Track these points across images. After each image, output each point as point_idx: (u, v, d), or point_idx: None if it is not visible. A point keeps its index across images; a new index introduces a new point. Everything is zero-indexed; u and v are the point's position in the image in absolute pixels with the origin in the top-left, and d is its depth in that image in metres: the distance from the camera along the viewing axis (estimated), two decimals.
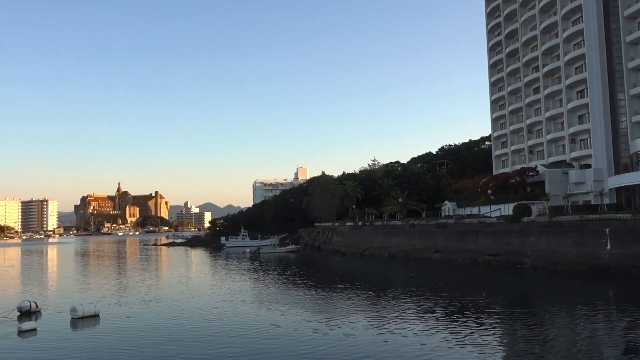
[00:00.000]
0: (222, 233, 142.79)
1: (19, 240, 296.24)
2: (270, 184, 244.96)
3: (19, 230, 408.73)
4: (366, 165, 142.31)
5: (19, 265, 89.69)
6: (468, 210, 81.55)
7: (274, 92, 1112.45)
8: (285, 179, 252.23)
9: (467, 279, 48.91)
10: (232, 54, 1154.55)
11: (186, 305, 35.99)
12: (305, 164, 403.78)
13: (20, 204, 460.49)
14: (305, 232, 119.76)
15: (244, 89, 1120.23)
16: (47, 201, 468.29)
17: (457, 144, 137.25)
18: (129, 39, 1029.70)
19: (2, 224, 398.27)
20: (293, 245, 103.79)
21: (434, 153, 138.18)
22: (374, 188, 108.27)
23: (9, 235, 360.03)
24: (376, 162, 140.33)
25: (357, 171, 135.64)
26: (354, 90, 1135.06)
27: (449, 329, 25.49)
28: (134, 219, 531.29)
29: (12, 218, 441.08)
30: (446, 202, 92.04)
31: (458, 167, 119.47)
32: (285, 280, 50.24)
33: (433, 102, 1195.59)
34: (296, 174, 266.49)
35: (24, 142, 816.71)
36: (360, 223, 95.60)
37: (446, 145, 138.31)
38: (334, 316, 29.83)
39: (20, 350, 24.16)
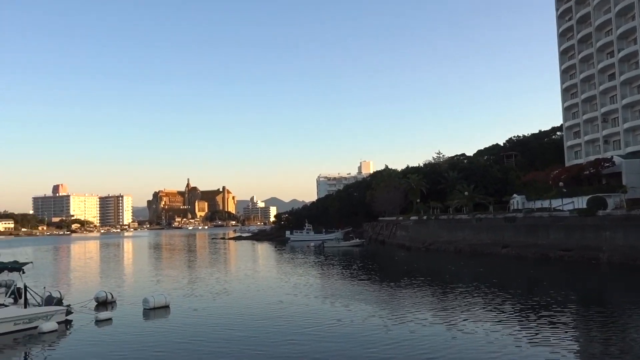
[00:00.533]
0: (286, 227, 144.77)
1: (98, 234, 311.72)
2: (334, 179, 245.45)
3: (97, 224, 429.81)
4: (430, 159, 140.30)
5: (98, 258, 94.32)
6: (538, 204, 78.70)
7: (339, 88, 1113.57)
8: (349, 173, 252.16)
9: (537, 275, 47.21)
10: (302, 50, 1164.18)
11: (253, 298, 36.44)
12: (368, 157, 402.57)
13: (98, 200, 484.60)
14: (369, 226, 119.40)
15: (310, 84, 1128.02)
16: (122, 197, 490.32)
17: (526, 135, 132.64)
18: (201, 32, 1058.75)
19: (83, 219, 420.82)
20: (357, 239, 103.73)
21: (502, 145, 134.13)
22: (439, 181, 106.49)
23: (88, 229, 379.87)
24: (441, 155, 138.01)
25: (421, 164, 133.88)
26: (419, 86, 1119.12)
27: (518, 327, 24.65)
28: (202, 214, 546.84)
29: (91, 213, 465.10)
30: (515, 195, 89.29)
31: (527, 158, 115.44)
32: (349, 275, 50.24)
33: (500, 93, 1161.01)
34: (359, 167, 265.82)
35: (101, 141, 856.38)
36: (425, 217, 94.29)
37: (514, 137, 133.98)
38: (399, 312, 29.53)
39: (97, 338, 25.35)
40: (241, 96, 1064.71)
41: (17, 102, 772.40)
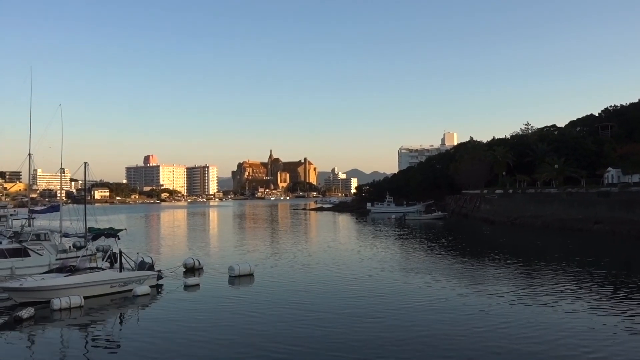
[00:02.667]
0: (367, 199, 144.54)
1: (185, 203, 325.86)
2: (416, 150, 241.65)
3: (185, 194, 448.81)
4: (518, 130, 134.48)
5: (185, 226, 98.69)
6: (635, 178, 73.68)
7: (425, 57, 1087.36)
8: (432, 145, 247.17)
9: (634, 253, 44.47)
10: (391, 19, 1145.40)
11: (336, 271, 36.41)
12: (452, 129, 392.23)
13: (185, 170, 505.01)
14: (452, 199, 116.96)
15: (395, 53, 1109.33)
16: (208, 167, 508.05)
17: (624, 104, 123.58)
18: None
19: (171, 188, 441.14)
20: (439, 212, 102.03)
21: (596, 115, 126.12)
22: (527, 154, 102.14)
23: (176, 198, 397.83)
24: (529, 127, 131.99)
25: (507, 136, 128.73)
26: (507, 54, 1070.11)
27: (612, 311, 23.35)
28: (284, 185, 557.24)
29: (179, 182, 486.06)
30: (610, 168, 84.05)
31: (625, 130, 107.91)
32: (434, 249, 49.45)
33: (594, 59, 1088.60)
34: (443, 139, 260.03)
35: (188, 113, 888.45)
36: (510, 190, 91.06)
37: (611, 107, 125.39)
38: (491, 289, 28.79)
39: (185, 302, 26.59)
40: (324, 69, 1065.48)
41: (116, 79, 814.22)
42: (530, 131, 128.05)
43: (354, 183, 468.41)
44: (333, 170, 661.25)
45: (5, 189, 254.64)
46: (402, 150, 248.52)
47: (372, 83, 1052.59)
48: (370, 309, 24.07)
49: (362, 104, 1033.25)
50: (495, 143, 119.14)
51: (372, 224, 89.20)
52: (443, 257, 43.04)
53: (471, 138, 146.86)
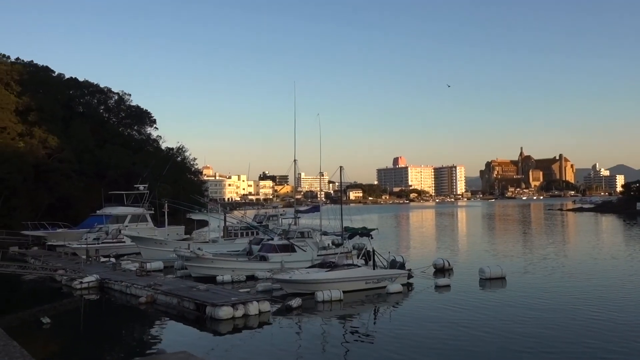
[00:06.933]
0: (637, 198, 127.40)
1: (433, 203, 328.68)
2: None
3: (432, 194, 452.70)
4: None
5: (433, 226, 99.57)
6: None
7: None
8: None
9: None
10: None
11: (597, 282, 32.14)
12: None
13: (433, 171, 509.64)
14: None
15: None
16: (455, 167, 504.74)
17: None
18: None
19: (419, 188, 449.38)
20: None
21: None
22: None
23: (424, 198, 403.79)
24: None
25: None
26: None
27: None
28: (537, 183, 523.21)
29: (427, 183, 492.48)
30: None
31: None
32: None
33: None
34: None
35: (434, 114, 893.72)
36: None
37: None
38: None
39: (437, 302, 26.88)
40: (574, 57, 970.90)
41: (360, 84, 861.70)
42: None
43: (620, 180, 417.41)
44: (594, 166, 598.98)
45: (275, 191, 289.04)
46: None
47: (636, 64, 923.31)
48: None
49: (627, 90, 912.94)
50: None
51: None
52: None
53: None
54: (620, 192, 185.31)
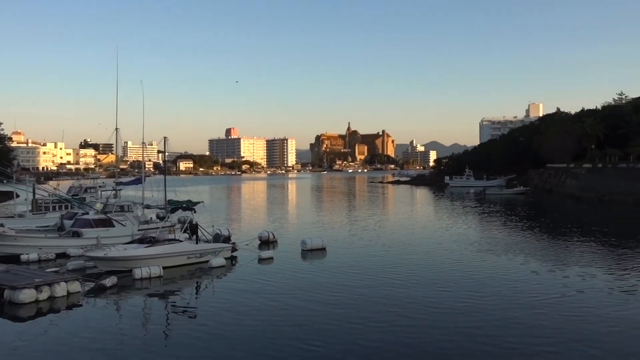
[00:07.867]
0: (446, 172, 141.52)
1: (264, 175, 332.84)
2: (499, 122, 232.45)
3: (264, 166, 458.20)
4: (610, 100, 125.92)
5: (264, 198, 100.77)
6: None
7: (508, 25, 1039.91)
8: (515, 117, 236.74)
9: None
10: None
11: (413, 249, 35.24)
12: (537, 100, 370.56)
13: (265, 143, 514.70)
14: (535, 173, 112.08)
15: (476, 21, 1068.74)
16: (287, 140, 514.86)
17: None
18: None
19: (251, 160, 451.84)
20: (521, 187, 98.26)
21: None
22: (619, 126, 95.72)
23: (256, 169, 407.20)
24: (623, 96, 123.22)
25: (598, 107, 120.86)
26: (594, 16, 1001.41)
27: None
28: (362, 157, 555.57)
29: (259, 155, 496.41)
30: None
31: None
32: (520, 227, 47.27)
33: None
34: (527, 110, 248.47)
35: (266, 87, 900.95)
36: (600, 165, 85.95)
37: None
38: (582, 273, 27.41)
39: (259, 275, 27.08)
40: (401, 39, 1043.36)
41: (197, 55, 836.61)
42: (624, 101, 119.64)
43: (433, 156, 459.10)
44: (411, 142, 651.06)
45: (98, 160, 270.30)
46: (484, 122, 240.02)
47: (452, 52, 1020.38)
48: (444, 284, 23.59)
49: (442, 73, 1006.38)
50: (584, 114, 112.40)
51: (450, 198, 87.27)
52: (530, 236, 41.10)
53: (558, 109, 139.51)
54: (432, 167, 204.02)
